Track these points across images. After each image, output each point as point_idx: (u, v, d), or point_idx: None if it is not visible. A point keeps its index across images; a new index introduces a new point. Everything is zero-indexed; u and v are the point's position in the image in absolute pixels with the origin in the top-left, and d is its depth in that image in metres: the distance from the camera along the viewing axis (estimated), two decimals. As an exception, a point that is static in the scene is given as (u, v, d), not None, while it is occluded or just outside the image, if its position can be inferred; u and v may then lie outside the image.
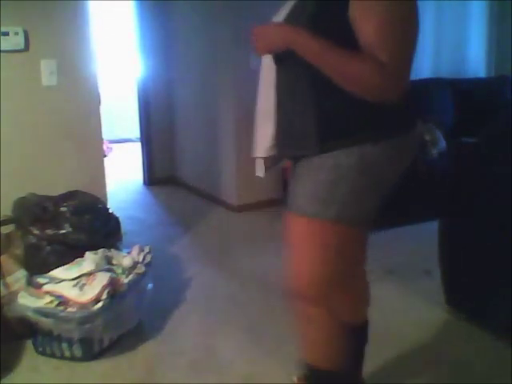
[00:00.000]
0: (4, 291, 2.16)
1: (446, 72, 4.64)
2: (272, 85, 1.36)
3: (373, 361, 2.03)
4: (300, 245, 1.40)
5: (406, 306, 2.48)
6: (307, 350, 1.52)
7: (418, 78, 4.39)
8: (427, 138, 3.90)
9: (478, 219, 2.17)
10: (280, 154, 1.42)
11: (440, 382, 1.91)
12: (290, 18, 1.30)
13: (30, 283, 2.14)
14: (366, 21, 1.16)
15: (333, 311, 1.43)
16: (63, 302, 1.99)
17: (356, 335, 1.60)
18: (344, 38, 1.20)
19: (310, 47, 1.23)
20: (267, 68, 1.38)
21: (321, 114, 1.29)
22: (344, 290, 1.48)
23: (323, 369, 1.47)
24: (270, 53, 1.35)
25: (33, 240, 2.28)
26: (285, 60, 1.33)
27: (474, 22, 4.86)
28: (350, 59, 1.20)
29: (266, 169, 1.47)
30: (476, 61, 4.95)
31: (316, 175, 1.31)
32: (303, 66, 1.26)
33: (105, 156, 3.47)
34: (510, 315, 2.04)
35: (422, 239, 3.20)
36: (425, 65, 4.66)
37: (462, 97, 4.37)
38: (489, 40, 4.96)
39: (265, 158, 1.45)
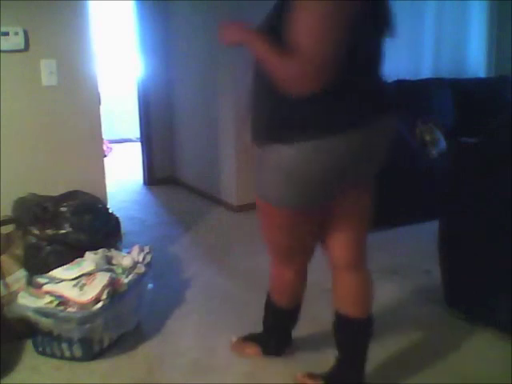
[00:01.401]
0: (4, 291, 2.16)
1: (445, 72, 4.64)
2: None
3: (373, 360, 2.03)
4: (261, 220, 1.70)
5: (406, 306, 2.48)
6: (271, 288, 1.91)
7: (417, 78, 4.41)
8: (427, 138, 3.91)
9: (478, 219, 2.17)
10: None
11: (440, 382, 1.91)
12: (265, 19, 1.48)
13: (30, 283, 2.14)
14: (293, 26, 1.29)
15: (283, 266, 1.79)
16: (63, 302, 1.99)
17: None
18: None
19: (254, 45, 1.40)
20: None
21: (260, 113, 1.51)
22: (291, 256, 1.76)
23: (272, 300, 1.92)
24: (229, 45, 1.57)
25: (33, 240, 2.28)
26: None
27: (474, 22, 4.86)
28: (275, 54, 1.33)
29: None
30: (476, 61, 4.95)
31: (258, 165, 1.54)
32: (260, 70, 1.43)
33: (105, 156, 3.47)
34: (510, 315, 2.04)
35: (421, 239, 3.21)
36: (425, 65, 4.66)
37: (462, 97, 4.37)
38: (489, 40, 4.97)
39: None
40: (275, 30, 1.37)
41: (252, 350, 2.06)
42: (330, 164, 1.42)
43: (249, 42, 1.43)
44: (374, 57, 1.48)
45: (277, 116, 1.43)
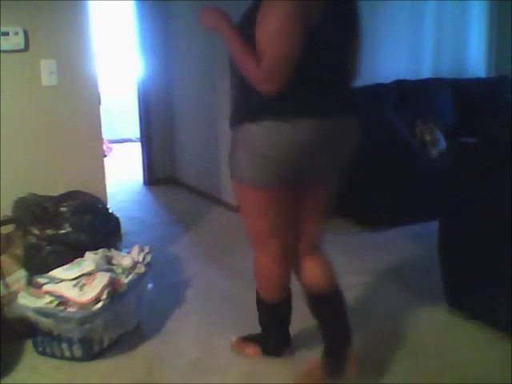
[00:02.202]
0: (4, 291, 2.16)
1: (445, 72, 4.64)
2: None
3: (373, 360, 2.03)
4: (240, 205, 1.78)
5: (406, 306, 2.47)
6: (256, 281, 1.92)
7: (418, 78, 4.41)
8: (427, 138, 3.91)
9: (478, 219, 2.17)
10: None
11: (440, 382, 1.91)
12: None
13: (30, 283, 2.14)
14: (259, 27, 1.48)
15: (266, 255, 1.79)
16: (63, 302, 1.99)
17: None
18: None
19: (229, 39, 1.57)
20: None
21: (236, 100, 1.71)
22: (272, 242, 1.76)
23: (261, 297, 1.93)
24: (207, 29, 1.72)
25: (33, 240, 2.28)
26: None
27: (474, 22, 4.86)
28: (247, 54, 1.52)
29: None
30: (476, 61, 4.95)
31: (232, 148, 1.71)
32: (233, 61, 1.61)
33: (105, 156, 3.47)
34: (510, 315, 2.04)
35: (422, 239, 3.21)
36: (425, 65, 4.66)
37: (462, 97, 4.37)
38: (489, 40, 4.97)
39: None
40: (247, 28, 1.53)
41: (252, 350, 2.06)
42: (289, 146, 1.56)
43: (224, 34, 1.60)
44: (337, 55, 1.62)
45: (249, 100, 1.61)
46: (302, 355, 2.07)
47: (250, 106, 1.62)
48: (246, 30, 1.55)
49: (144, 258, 2.32)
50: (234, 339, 2.14)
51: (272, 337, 2.04)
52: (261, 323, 2.03)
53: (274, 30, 1.44)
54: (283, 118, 1.54)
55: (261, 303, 1.97)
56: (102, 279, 2.04)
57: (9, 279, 2.21)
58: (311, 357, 2.06)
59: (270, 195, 1.65)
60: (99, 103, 2.78)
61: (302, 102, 1.56)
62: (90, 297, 1.98)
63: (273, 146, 1.55)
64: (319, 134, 1.56)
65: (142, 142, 5.08)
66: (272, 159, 1.57)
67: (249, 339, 2.10)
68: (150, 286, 2.31)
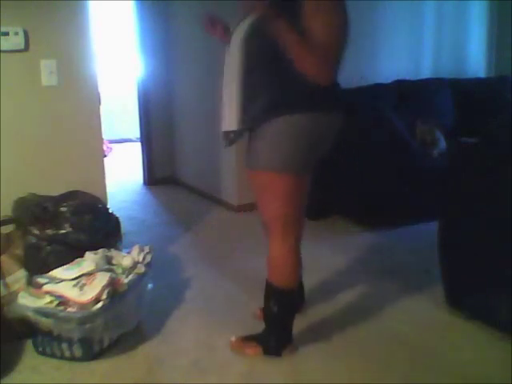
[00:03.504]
0: (4, 291, 2.16)
1: (445, 72, 4.64)
2: (237, 72, 1.79)
3: (373, 360, 2.03)
4: (260, 193, 1.90)
5: (406, 306, 2.48)
6: (268, 270, 1.98)
7: (417, 78, 4.41)
8: (427, 138, 3.91)
9: (478, 219, 2.17)
10: (246, 125, 1.83)
11: (440, 382, 1.91)
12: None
13: (30, 283, 2.14)
14: (314, 21, 1.63)
15: (289, 239, 1.91)
16: (63, 302, 1.99)
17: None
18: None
19: (280, 26, 1.64)
20: (234, 58, 1.80)
21: (272, 94, 1.77)
22: (292, 227, 1.91)
23: (276, 285, 1.96)
24: (251, 13, 1.76)
25: (33, 240, 2.28)
26: (251, 54, 1.77)
27: (474, 22, 4.86)
28: (305, 44, 1.64)
29: (231, 142, 1.89)
30: (476, 61, 4.95)
31: (260, 139, 1.80)
32: (265, 57, 1.75)
33: (105, 156, 3.47)
34: (510, 315, 2.04)
35: (421, 239, 3.21)
36: (425, 65, 4.66)
37: (462, 97, 4.37)
38: (489, 40, 4.97)
39: (232, 132, 1.87)
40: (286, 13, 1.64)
41: (252, 349, 2.06)
42: (322, 134, 1.81)
43: (276, 24, 1.64)
44: None
45: (290, 92, 1.74)
46: (302, 355, 2.07)
47: (291, 98, 1.75)
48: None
49: (144, 258, 2.32)
50: (233, 339, 2.14)
51: (274, 334, 2.04)
52: (268, 317, 2.03)
53: (334, 23, 1.63)
54: (321, 109, 1.77)
55: (274, 292, 1.98)
56: (102, 279, 2.04)
57: (9, 279, 2.21)
58: (312, 357, 2.06)
59: (299, 180, 1.85)
60: (99, 103, 2.78)
61: (331, 96, 1.80)
62: (90, 297, 1.98)
63: (314, 135, 1.78)
64: (335, 124, 1.85)
65: (141, 142, 5.08)
66: (310, 147, 1.80)
67: (249, 339, 2.10)
68: (150, 286, 2.31)
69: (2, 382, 1.93)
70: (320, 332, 2.22)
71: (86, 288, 2.01)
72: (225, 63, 1.88)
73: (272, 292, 1.98)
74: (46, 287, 2.04)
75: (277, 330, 2.04)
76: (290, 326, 2.05)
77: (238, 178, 3.97)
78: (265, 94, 1.77)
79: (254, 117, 1.80)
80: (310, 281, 2.51)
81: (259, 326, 2.07)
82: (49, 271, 2.14)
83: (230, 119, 1.84)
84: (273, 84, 1.77)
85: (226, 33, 1.92)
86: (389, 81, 4.19)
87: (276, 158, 1.79)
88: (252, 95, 1.78)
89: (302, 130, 1.77)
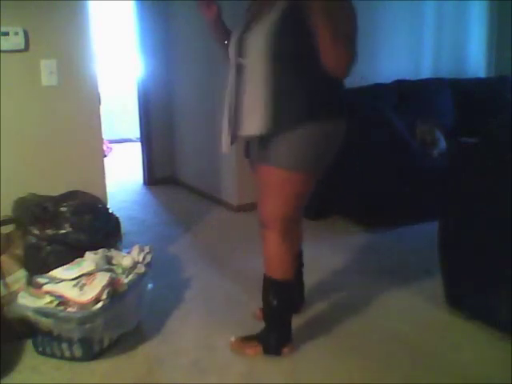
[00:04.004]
0: (4, 291, 2.16)
1: (445, 72, 4.63)
2: (260, 80, 1.83)
3: (373, 360, 2.03)
4: (268, 189, 1.93)
5: (406, 306, 2.48)
6: (266, 264, 2.03)
7: (417, 78, 4.41)
8: (427, 138, 3.91)
9: (478, 219, 2.17)
10: (271, 131, 1.83)
11: (440, 382, 1.91)
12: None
13: (30, 283, 2.14)
14: (327, 19, 1.63)
15: (287, 237, 1.96)
16: (63, 301, 1.99)
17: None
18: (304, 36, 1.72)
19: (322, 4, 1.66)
20: (256, 59, 1.86)
21: (302, 99, 1.81)
22: (291, 226, 1.98)
23: (274, 278, 2.00)
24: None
25: (33, 240, 2.28)
26: (278, 62, 1.79)
27: (474, 22, 4.86)
28: (340, 37, 1.67)
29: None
30: (476, 61, 4.95)
31: (289, 141, 1.82)
32: (294, 58, 1.78)
33: (105, 156, 3.47)
34: (510, 315, 2.04)
35: (421, 239, 3.21)
36: (425, 65, 4.66)
37: (462, 97, 4.37)
38: (489, 40, 4.96)
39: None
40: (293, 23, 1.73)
41: (252, 349, 2.06)
42: (338, 139, 1.92)
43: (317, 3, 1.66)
44: None
45: (317, 98, 1.82)
46: (302, 355, 2.07)
47: (319, 103, 1.83)
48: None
49: (144, 258, 2.32)
50: (233, 339, 2.14)
51: (274, 331, 2.04)
52: (268, 312, 2.04)
53: (351, 18, 1.70)
54: (343, 115, 1.90)
55: (272, 284, 2.01)
56: (102, 279, 2.04)
57: (9, 279, 2.21)
58: (312, 357, 2.06)
59: (309, 181, 1.93)
60: (99, 103, 2.78)
61: (344, 100, 1.92)
62: (90, 297, 1.98)
63: (335, 140, 1.90)
64: (345, 127, 1.93)
65: (141, 142, 5.08)
66: (328, 150, 1.90)
67: (249, 339, 2.10)
68: (150, 286, 2.31)
69: (2, 381, 1.93)
70: (320, 332, 2.22)
71: (86, 288, 2.01)
72: (230, 64, 1.99)
73: (270, 284, 2.01)
74: (46, 287, 2.04)
75: (276, 327, 2.05)
76: (289, 322, 2.05)
77: (238, 178, 3.97)
78: (294, 98, 1.80)
79: (283, 121, 1.81)
80: (309, 281, 2.51)
81: (259, 326, 2.07)
82: (49, 271, 2.14)
83: (250, 123, 1.86)
84: (303, 88, 1.80)
85: (218, 17, 2.10)
86: (389, 81, 4.19)
87: (296, 158, 1.84)
88: (280, 99, 1.80)
89: (325, 136, 1.85)
